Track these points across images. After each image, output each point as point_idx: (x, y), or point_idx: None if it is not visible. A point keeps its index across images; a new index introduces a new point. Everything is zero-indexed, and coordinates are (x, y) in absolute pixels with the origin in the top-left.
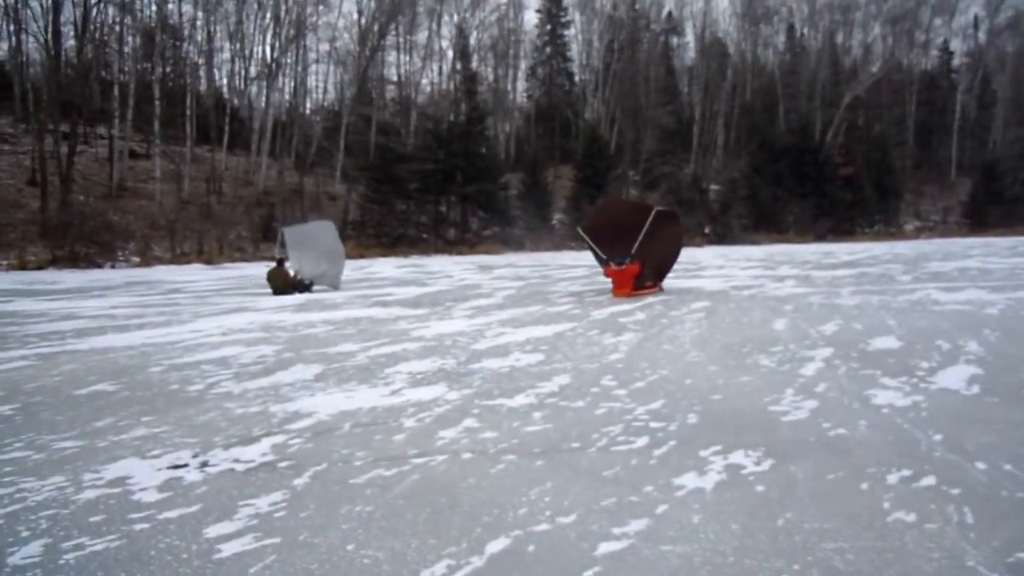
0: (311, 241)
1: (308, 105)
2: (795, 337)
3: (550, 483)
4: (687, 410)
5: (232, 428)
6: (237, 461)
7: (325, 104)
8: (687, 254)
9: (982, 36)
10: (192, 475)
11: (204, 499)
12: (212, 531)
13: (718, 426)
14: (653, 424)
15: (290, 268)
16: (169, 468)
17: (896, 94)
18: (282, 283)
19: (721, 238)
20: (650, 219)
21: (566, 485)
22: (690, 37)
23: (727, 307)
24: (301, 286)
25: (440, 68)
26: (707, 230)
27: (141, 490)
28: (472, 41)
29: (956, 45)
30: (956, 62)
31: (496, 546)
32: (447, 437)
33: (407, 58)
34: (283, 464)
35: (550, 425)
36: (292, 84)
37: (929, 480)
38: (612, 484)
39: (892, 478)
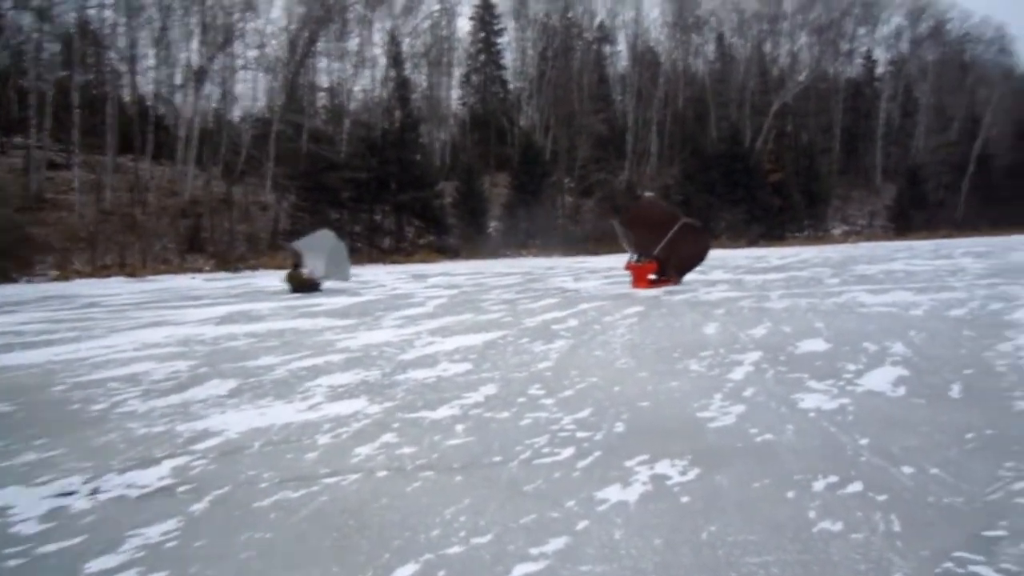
0: (318, 247)
1: (236, 112)
2: (725, 341)
3: (467, 500)
4: (615, 418)
5: (131, 450)
6: (131, 486)
7: (254, 111)
8: (621, 260)
9: (904, 45)
10: (80, 503)
11: (89, 530)
12: (94, 565)
13: (645, 434)
14: (579, 434)
15: (304, 271)
16: (55, 496)
17: (823, 102)
18: (299, 283)
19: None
20: (676, 227)
21: (484, 502)
22: (622, 46)
23: (660, 312)
24: (314, 284)
25: (372, 75)
26: (620, 236)
27: (21, 521)
28: (405, 48)
29: (879, 54)
30: (880, 71)
31: (404, 572)
32: (362, 454)
33: (339, 65)
34: (182, 488)
35: (472, 438)
36: (220, 91)
37: (855, 486)
38: (532, 499)
39: (818, 485)
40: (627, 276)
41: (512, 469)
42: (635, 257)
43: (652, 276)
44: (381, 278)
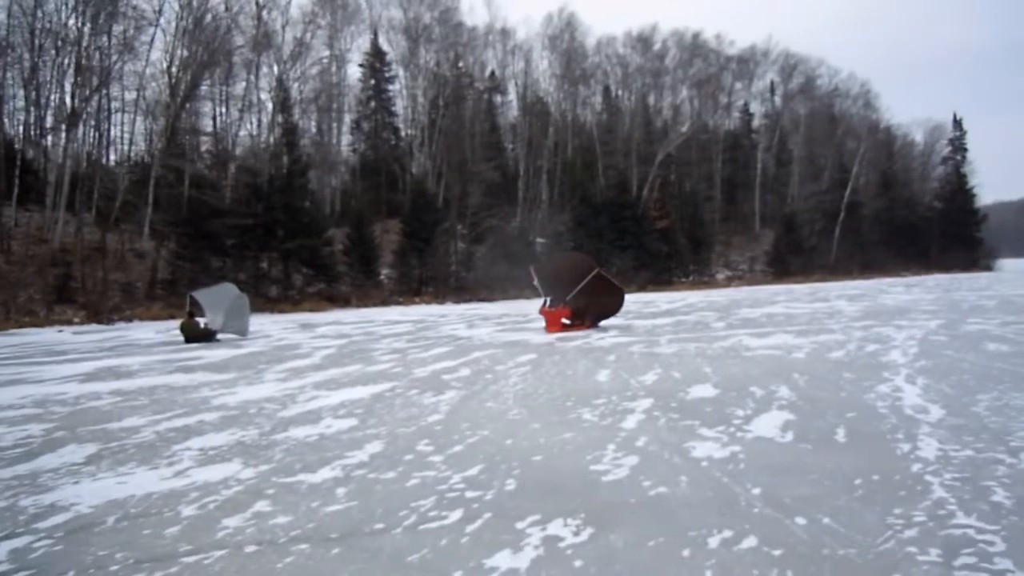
0: (219, 299)
1: (112, 156)
2: (617, 388)
3: None
4: (506, 475)
5: None
6: None
7: (132, 156)
8: (514, 307)
9: (778, 100)
10: None
11: None
12: None
13: (537, 491)
14: (469, 494)
15: (201, 321)
16: None
17: (704, 152)
18: (192, 332)
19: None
20: (588, 278)
21: None
22: (513, 96)
23: (552, 359)
24: (209, 334)
25: (259, 120)
26: (535, 283)
27: None
28: (293, 93)
29: (756, 107)
30: (756, 123)
31: None
32: (231, 526)
33: (223, 109)
34: None
35: (354, 503)
36: (94, 134)
37: (750, 541)
38: (416, 572)
39: (713, 541)
40: (519, 322)
41: (396, 537)
42: (548, 303)
43: (565, 320)
44: (267, 328)
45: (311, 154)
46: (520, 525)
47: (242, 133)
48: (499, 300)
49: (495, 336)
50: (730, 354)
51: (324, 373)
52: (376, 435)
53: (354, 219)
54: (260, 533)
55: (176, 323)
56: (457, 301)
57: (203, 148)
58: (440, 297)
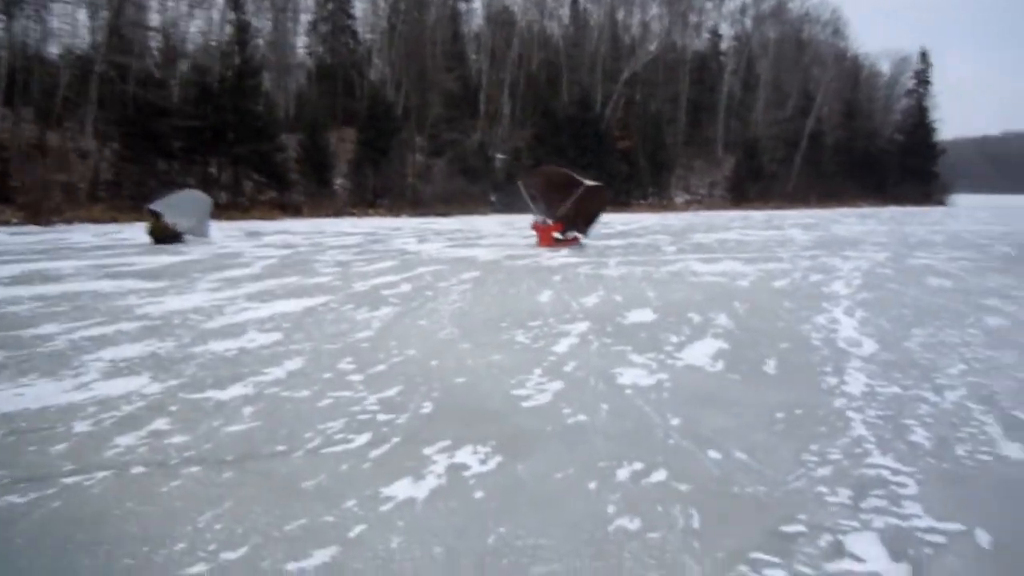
0: (180, 204)
1: (54, 49)
2: (556, 310)
3: (230, 503)
4: (424, 397)
5: None
6: None
7: (74, 50)
8: (463, 222)
9: (748, 22)
10: None
11: None
12: None
13: (453, 416)
14: (381, 416)
15: (168, 221)
16: None
17: (671, 73)
18: (160, 232)
19: (506, 207)
20: (579, 193)
21: (249, 504)
22: (478, 3)
23: (496, 278)
24: (176, 235)
25: (210, 16)
26: (492, 198)
27: None
28: None
29: (725, 29)
30: (725, 45)
31: None
32: (122, 445)
33: (172, 3)
34: None
35: (258, 423)
36: (34, 25)
37: (659, 475)
38: (308, 499)
39: (623, 474)
40: (471, 238)
41: (294, 461)
42: (541, 218)
43: (557, 235)
44: (212, 235)
45: (265, 55)
46: (427, 451)
47: (192, 30)
48: (456, 216)
49: (444, 252)
50: (676, 279)
51: (260, 284)
52: (299, 351)
53: (308, 126)
54: (152, 453)
55: (119, 227)
56: (412, 215)
57: (152, 45)
58: (395, 210)
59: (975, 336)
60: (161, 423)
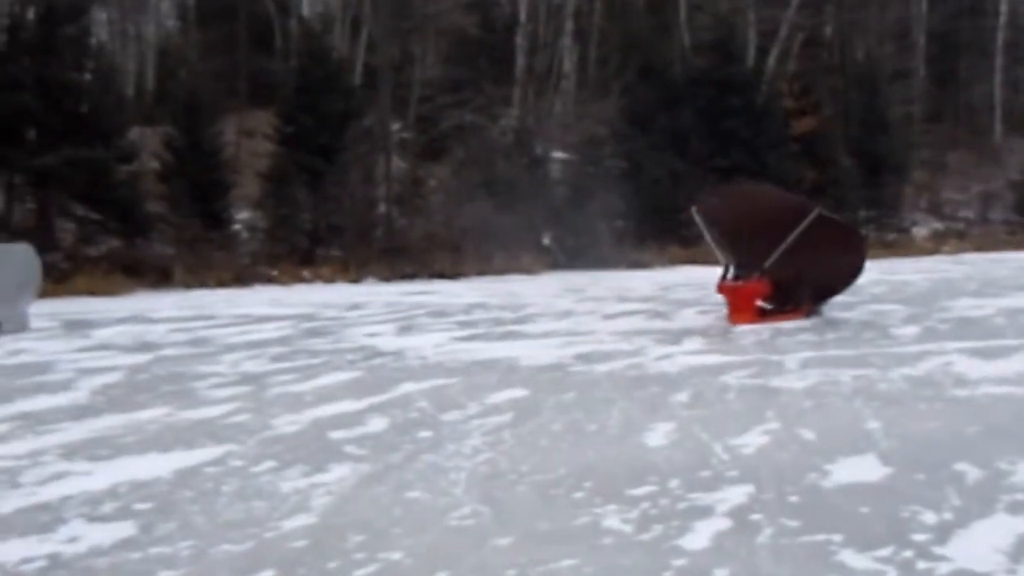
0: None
1: None
2: (684, 462)
3: None
4: None
5: None
6: None
7: None
8: (489, 287)
9: None
10: None
11: None
12: None
13: None
14: None
15: None
16: None
17: None
18: None
19: (572, 257)
20: (807, 222)
21: None
22: None
23: (558, 400)
24: None
25: None
26: (546, 240)
27: None
28: None
29: None
30: None
31: None
32: None
33: None
34: None
35: None
36: None
37: None
38: None
39: None
40: (506, 319)
41: None
42: (731, 272)
43: (763, 304)
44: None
45: None
46: None
47: None
48: (473, 276)
49: (451, 350)
50: (923, 392)
51: (90, 424)
52: (168, 562)
53: (182, 108)
54: None
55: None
56: (387, 276)
57: None
58: (353, 269)
59: None
60: None
